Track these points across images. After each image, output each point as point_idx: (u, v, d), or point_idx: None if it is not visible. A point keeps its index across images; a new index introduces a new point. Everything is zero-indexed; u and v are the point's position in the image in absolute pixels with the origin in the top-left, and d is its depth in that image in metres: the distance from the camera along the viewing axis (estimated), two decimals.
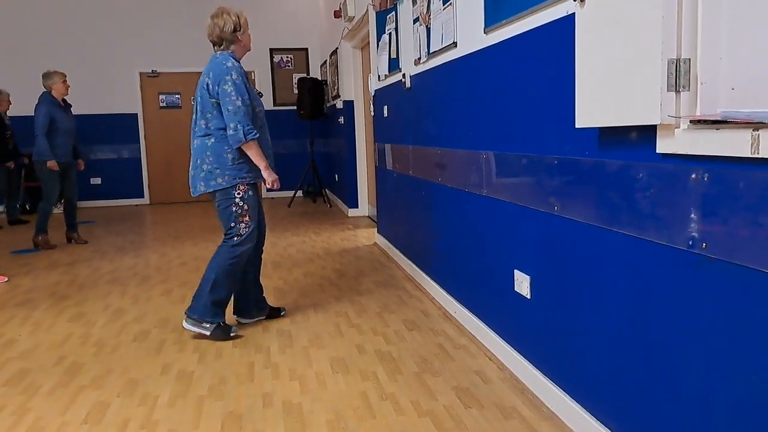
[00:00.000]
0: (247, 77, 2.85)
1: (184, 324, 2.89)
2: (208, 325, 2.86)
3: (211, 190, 2.81)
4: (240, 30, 2.86)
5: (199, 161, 2.82)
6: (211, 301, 2.84)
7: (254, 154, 2.80)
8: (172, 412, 2.17)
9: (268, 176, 2.85)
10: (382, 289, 3.72)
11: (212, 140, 2.80)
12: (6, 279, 4.33)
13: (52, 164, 5.21)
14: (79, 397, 2.32)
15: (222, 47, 2.87)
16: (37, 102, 5.29)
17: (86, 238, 5.99)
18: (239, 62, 2.84)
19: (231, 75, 2.74)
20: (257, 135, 2.78)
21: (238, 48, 2.89)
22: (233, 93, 2.73)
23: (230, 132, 2.74)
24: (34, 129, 5.19)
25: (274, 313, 3.21)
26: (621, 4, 1.46)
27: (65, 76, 5.41)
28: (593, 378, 1.82)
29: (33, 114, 5.25)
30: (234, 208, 2.82)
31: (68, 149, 5.39)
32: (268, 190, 2.91)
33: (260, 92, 3.08)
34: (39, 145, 5.19)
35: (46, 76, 5.38)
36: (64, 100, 5.41)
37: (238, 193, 2.82)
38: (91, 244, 5.71)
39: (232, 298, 3.01)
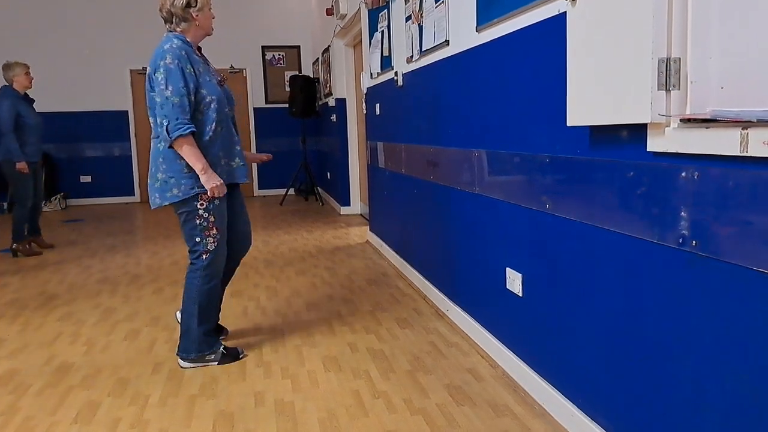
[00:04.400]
0: (204, 60, 2.47)
1: (183, 365, 2.54)
2: (212, 356, 2.55)
3: (167, 203, 2.39)
4: (195, 6, 2.41)
5: (153, 168, 2.40)
6: (203, 332, 2.53)
7: (187, 154, 2.32)
8: (163, 412, 2.16)
9: (206, 181, 2.35)
10: (374, 287, 3.72)
11: (162, 143, 2.36)
12: None
13: (22, 166, 4.78)
14: (68, 397, 2.30)
15: (172, 25, 2.44)
16: None
17: (76, 236, 5.96)
18: (186, 43, 2.40)
19: (165, 59, 2.30)
20: (188, 131, 2.30)
21: (191, 28, 2.44)
22: (162, 81, 2.29)
23: (158, 129, 2.31)
24: None
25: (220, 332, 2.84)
26: (612, 3, 1.47)
27: (29, 68, 4.98)
28: (585, 375, 1.83)
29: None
30: (198, 221, 2.42)
31: (38, 147, 5.03)
32: (212, 199, 2.43)
33: (222, 77, 2.56)
34: (7, 144, 4.73)
35: (7, 67, 4.89)
36: (26, 94, 4.97)
37: (201, 204, 2.41)
38: (81, 242, 5.67)
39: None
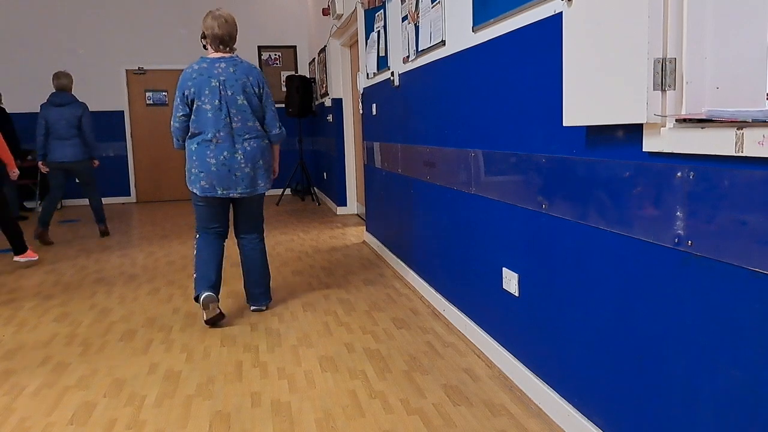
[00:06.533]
0: None
1: (264, 308, 3.29)
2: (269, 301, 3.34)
3: (269, 186, 3.15)
4: None
5: (261, 161, 3.05)
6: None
7: (278, 150, 3.24)
8: (159, 412, 2.15)
9: (277, 168, 3.27)
10: (370, 287, 3.72)
11: (265, 141, 3.08)
12: (36, 257, 4.61)
13: (98, 162, 5.70)
14: (64, 398, 2.29)
15: (229, 47, 3.02)
16: (80, 103, 5.48)
17: (72, 236, 5.94)
18: None
19: (266, 80, 3.09)
20: None
21: None
22: (272, 96, 3.10)
23: (276, 131, 3.11)
24: (89, 131, 5.48)
25: None
26: (608, 3, 1.47)
27: None
28: (581, 375, 1.83)
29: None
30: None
31: None
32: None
33: None
34: (92, 143, 5.54)
35: (70, 77, 5.53)
36: None
37: None
38: (77, 242, 5.65)
39: (244, 288, 3.33)
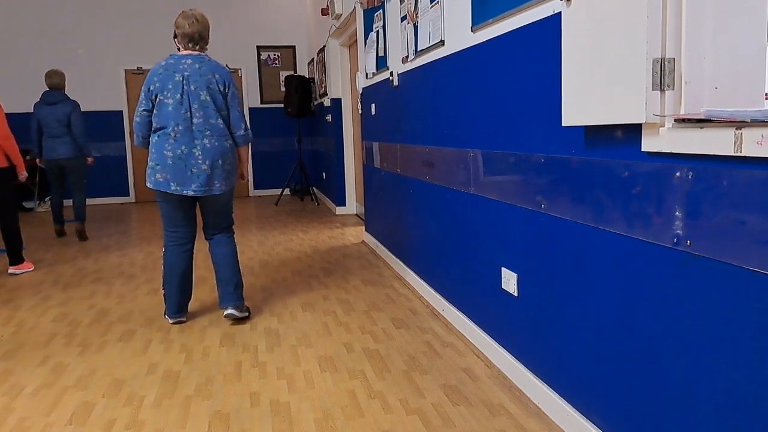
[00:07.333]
0: None
1: (237, 314, 3.07)
2: (245, 306, 3.17)
3: (228, 188, 3.03)
4: None
5: (220, 161, 2.95)
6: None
7: (247, 151, 3.19)
8: (158, 412, 2.15)
9: (248, 171, 3.34)
10: (370, 287, 3.72)
11: (229, 141, 2.99)
12: (32, 267, 4.52)
13: (92, 160, 5.71)
14: (63, 398, 2.29)
15: (199, 46, 2.97)
16: (71, 102, 5.44)
17: (70, 237, 5.95)
18: None
19: (234, 80, 3.03)
20: None
21: None
22: (239, 97, 3.04)
23: (241, 132, 3.02)
24: (77, 129, 5.43)
25: None
26: (607, 3, 1.47)
27: None
28: (580, 375, 1.83)
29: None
30: (232, 202, 3.15)
31: None
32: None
33: None
34: (84, 142, 5.50)
35: (64, 77, 5.51)
36: None
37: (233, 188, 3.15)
38: (76, 243, 5.65)
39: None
